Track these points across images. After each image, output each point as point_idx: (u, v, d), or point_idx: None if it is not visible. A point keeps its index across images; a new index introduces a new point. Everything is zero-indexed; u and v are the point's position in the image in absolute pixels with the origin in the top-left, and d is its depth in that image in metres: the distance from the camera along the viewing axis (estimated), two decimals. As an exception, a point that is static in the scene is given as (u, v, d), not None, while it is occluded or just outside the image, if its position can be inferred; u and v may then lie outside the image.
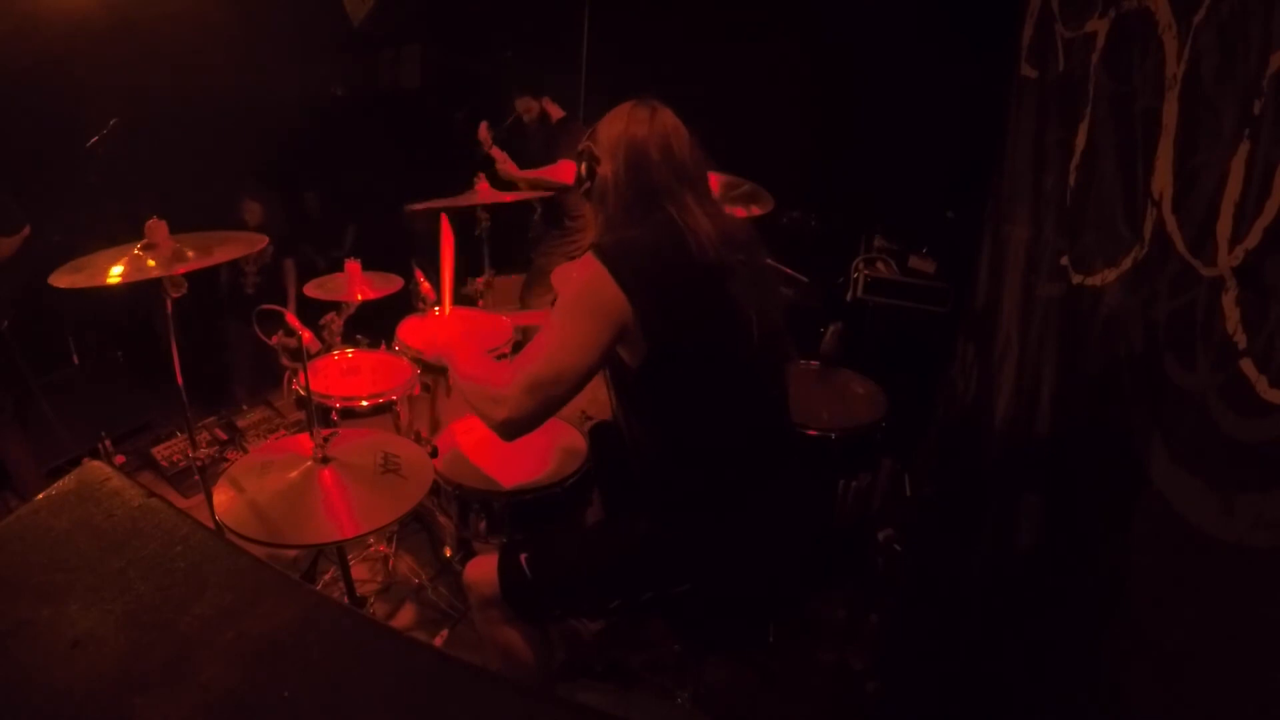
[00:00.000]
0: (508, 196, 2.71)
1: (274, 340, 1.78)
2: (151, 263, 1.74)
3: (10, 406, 2.64)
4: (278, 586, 0.77)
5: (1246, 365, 1.15)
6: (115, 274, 1.71)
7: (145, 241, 1.81)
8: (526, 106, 3.45)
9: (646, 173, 1.35)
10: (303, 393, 1.85)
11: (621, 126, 1.39)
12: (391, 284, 2.51)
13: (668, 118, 1.40)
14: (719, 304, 1.31)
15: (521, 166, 3.28)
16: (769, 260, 1.46)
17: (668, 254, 1.30)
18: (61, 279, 1.69)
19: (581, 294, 1.27)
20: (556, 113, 3.46)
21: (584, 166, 1.45)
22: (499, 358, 2.53)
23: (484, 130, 3.40)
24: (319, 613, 0.76)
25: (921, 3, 3.15)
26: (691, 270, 1.28)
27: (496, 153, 3.29)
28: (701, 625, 1.46)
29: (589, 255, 1.29)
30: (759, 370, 1.38)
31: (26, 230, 2.51)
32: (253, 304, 1.83)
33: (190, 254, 1.80)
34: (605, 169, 1.38)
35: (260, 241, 1.96)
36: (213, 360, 3.54)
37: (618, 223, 1.38)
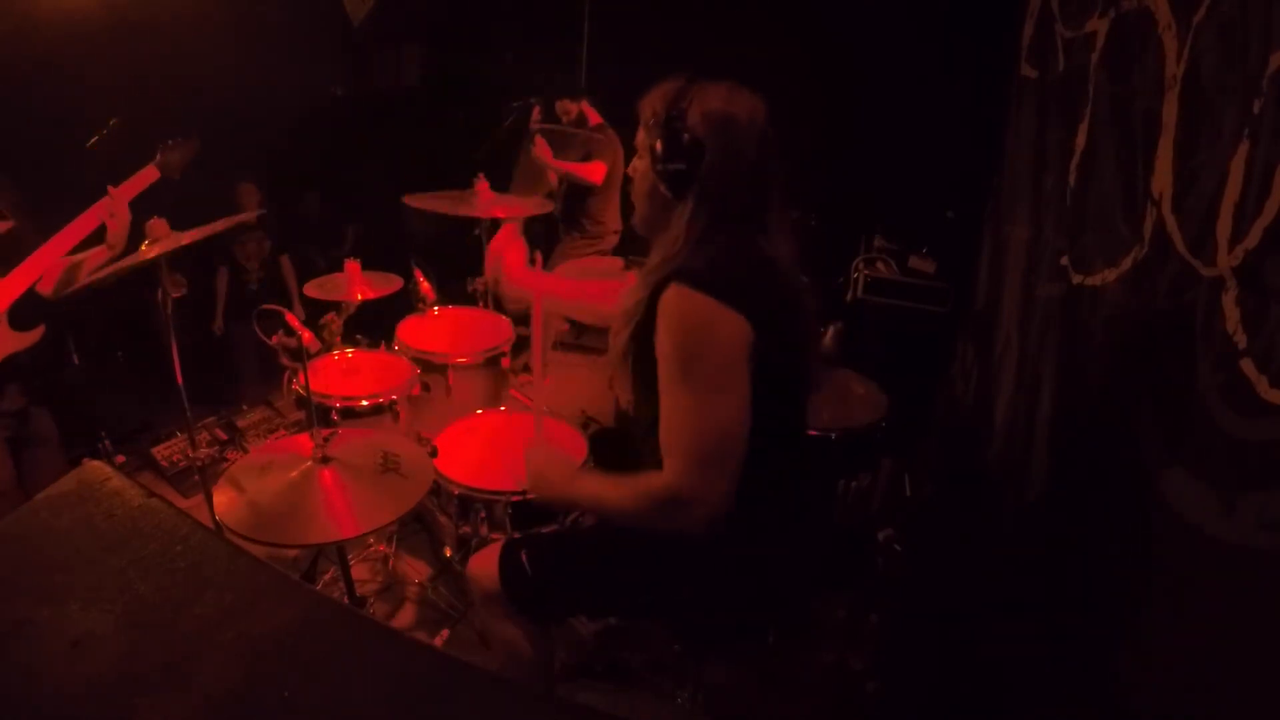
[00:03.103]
0: (499, 211, 2.72)
1: (274, 340, 1.78)
2: (146, 245, 1.76)
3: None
4: (278, 586, 0.77)
5: (1246, 365, 1.15)
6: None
7: (148, 241, 1.82)
8: (565, 109, 3.55)
9: (760, 177, 1.17)
10: (303, 393, 1.86)
11: (747, 112, 1.16)
12: (391, 284, 2.51)
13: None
14: (801, 330, 1.25)
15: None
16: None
17: (753, 274, 1.16)
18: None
19: (694, 335, 1.09)
20: (595, 118, 3.54)
21: (668, 139, 1.15)
22: (498, 356, 2.54)
23: (536, 114, 3.56)
24: (319, 613, 0.76)
25: (921, 3, 3.15)
26: (777, 293, 1.19)
27: (538, 138, 3.44)
28: (701, 626, 1.46)
29: (680, 290, 1.09)
30: (802, 385, 1.35)
31: None
32: (256, 303, 1.84)
33: (185, 239, 1.82)
34: (716, 156, 1.14)
35: (256, 212, 1.98)
36: (216, 361, 3.55)
37: (713, 223, 1.17)
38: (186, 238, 1.81)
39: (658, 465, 1.30)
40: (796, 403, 1.35)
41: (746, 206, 1.19)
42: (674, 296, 1.11)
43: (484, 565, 1.48)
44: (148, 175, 1.99)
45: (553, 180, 3.69)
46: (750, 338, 1.10)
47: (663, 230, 1.23)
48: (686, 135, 1.15)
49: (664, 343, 1.12)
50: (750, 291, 1.12)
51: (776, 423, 1.33)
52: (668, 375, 1.12)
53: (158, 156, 2.01)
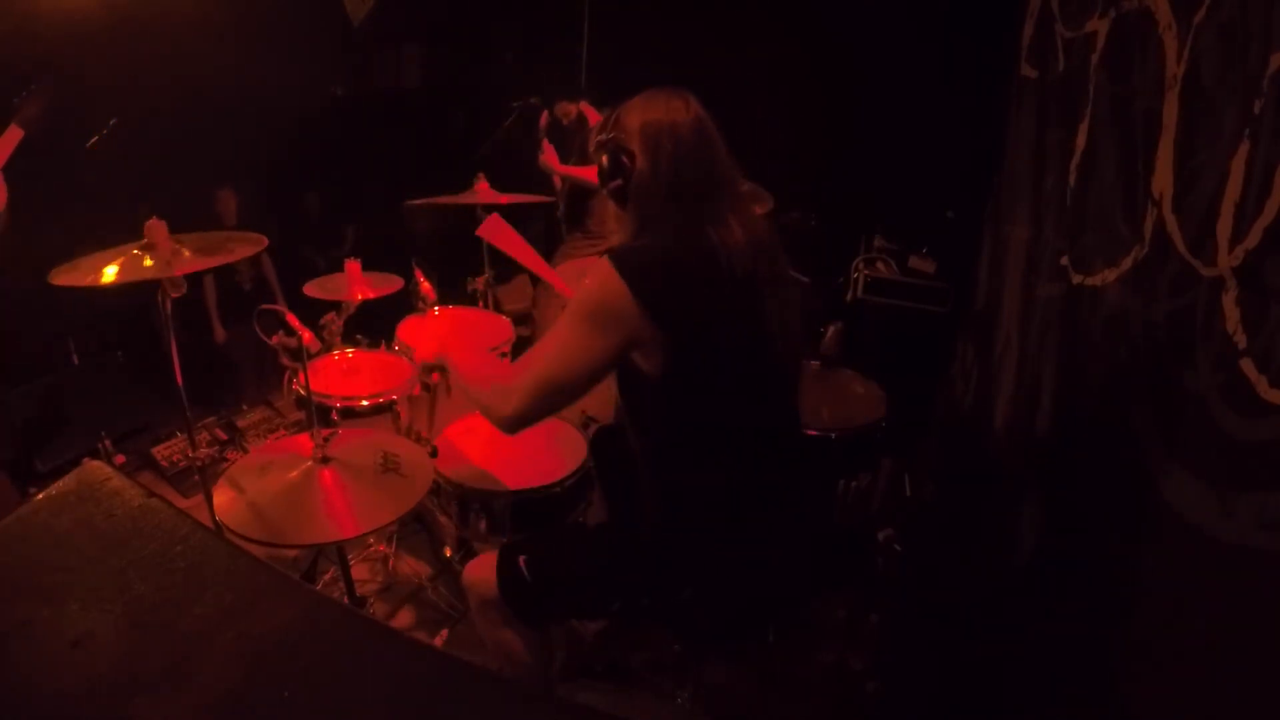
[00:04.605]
0: (504, 198, 2.71)
1: (274, 340, 1.78)
2: (148, 262, 1.74)
3: None
4: (278, 586, 0.77)
5: (1246, 365, 1.15)
6: (110, 274, 1.70)
7: (144, 241, 1.81)
8: (564, 110, 3.52)
9: (689, 169, 1.25)
10: (303, 393, 1.85)
11: (660, 114, 1.27)
12: (391, 284, 2.51)
13: (700, 109, 1.30)
14: (746, 319, 1.27)
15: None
16: (787, 265, 1.40)
17: (695, 267, 1.23)
18: (60, 277, 1.68)
19: (591, 302, 1.22)
20: (594, 117, 3.51)
21: (607, 159, 1.30)
22: (499, 356, 2.53)
23: (545, 119, 3.54)
24: (319, 613, 0.76)
25: (921, 3, 3.15)
26: (721, 286, 1.24)
27: (545, 144, 3.41)
28: (701, 626, 1.46)
29: (605, 262, 1.21)
30: (777, 380, 1.36)
31: None
32: (251, 303, 1.84)
33: (187, 254, 1.80)
34: (643, 164, 1.26)
35: (261, 241, 1.96)
36: (215, 361, 3.56)
37: (654, 226, 1.29)
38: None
39: (659, 467, 1.35)
40: (768, 400, 1.35)
41: (689, 198, 1.26)
42: (598, 265, 1.24)
43: (480, 572, 1.48)
44: (13, 136, 1.89)
45: (557, 183, 3.69)
46: (640, 326, 1.19)
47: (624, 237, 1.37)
48: (620, 153, 1.29)
49: (575, 294, 1.28)
50: (669, 286, 1.21)
51: (769, 422, 1.34)
52: (563, 314, 1.27)
53: (17, 114, 1.90)
